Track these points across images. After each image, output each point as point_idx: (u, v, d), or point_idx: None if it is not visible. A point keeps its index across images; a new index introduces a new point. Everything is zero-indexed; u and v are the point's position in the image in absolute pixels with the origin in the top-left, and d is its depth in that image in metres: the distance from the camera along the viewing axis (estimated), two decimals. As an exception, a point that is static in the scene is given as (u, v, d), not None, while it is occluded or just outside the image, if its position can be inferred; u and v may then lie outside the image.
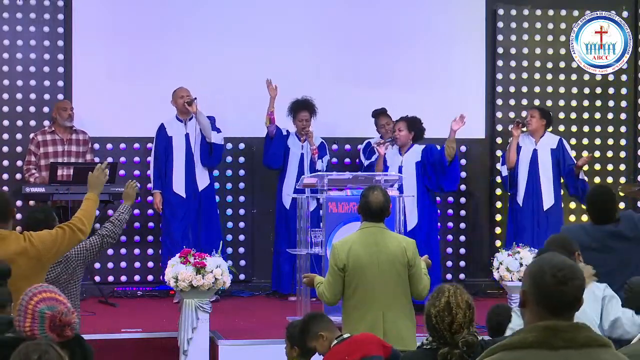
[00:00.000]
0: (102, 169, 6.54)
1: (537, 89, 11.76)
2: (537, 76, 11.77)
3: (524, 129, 10.97)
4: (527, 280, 3.29)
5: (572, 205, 11.49)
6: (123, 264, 11.08)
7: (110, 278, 11.05)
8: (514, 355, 3.23)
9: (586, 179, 10.96)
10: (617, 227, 6.76)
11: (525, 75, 11.76)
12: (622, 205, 9.91)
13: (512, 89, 11.74)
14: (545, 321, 3.23)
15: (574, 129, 11.78)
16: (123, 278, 11.05)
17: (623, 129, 11.89)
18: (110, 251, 10.95)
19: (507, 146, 11.06)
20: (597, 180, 11.64)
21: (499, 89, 11.72)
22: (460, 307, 4.62)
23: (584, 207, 11.53)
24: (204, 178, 10.69)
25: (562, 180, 10.96)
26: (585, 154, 11.61)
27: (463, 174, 11.63)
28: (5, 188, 10.74)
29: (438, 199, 11.57)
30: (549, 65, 11.78)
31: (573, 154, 11.06)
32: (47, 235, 6.01)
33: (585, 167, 11.47)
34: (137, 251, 11.13)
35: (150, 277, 11.10)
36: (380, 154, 10.34)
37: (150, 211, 10.91)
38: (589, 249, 6.55)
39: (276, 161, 10.80)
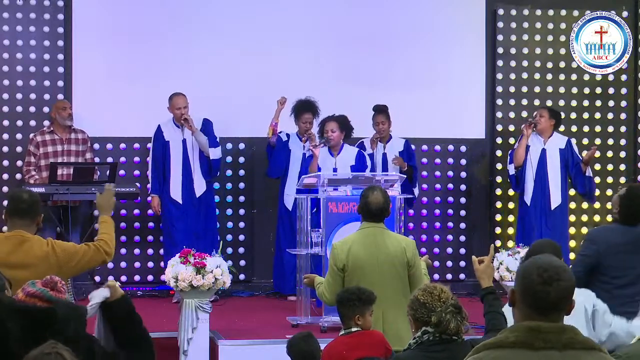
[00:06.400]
0: (111, 190, 6.21)
1: (537, 89, 11.75)
2: (537, 76, 11.76)
3: (534, 128, 10.95)
4: (516, 279, 3.35)
5: (576, 205, 11.48)
6: (123, 264, 11.09)
7: (110, 278, 11.04)
8: (497, 354, 3.27)
9: (591, 174, 10.95)
10: None
11: (525, 75, 11.75)
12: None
13: (512, 89, 11.73)
14: (530, 321, 3.27)
15: (574, 129, 11.77)
16: (123, 278, 11.03)
17: (623, 129, 11.88)
18: (110, 251, 10.97)
19: (516, 144, 11.04)
20: (597, 180, 11.64)
21: (499, 89, 11.72)
22: (443, 287, 4.91)
23: (584, 206, 11.58)
24: (202, 185, 10.67)
25: (569, 180, 10.97)
26: (584, 153, 11.60)
27: (463, 174, 11.63)
28: (5, 188, 10.75)
29: (438, 198, 11.58)
30: (549, 65, 11.77)
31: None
32: (71, 247, 5.91)
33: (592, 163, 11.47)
34: (137, 251, 11.13)
35: (150, 277, 11.11)
36: (315, 155, 10.26)
37: (150, 211, 10.90)
38: (620, 251, 6.52)
39: (279, 172, 10.79)
